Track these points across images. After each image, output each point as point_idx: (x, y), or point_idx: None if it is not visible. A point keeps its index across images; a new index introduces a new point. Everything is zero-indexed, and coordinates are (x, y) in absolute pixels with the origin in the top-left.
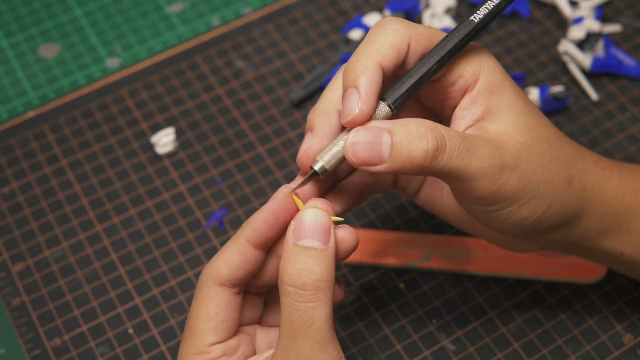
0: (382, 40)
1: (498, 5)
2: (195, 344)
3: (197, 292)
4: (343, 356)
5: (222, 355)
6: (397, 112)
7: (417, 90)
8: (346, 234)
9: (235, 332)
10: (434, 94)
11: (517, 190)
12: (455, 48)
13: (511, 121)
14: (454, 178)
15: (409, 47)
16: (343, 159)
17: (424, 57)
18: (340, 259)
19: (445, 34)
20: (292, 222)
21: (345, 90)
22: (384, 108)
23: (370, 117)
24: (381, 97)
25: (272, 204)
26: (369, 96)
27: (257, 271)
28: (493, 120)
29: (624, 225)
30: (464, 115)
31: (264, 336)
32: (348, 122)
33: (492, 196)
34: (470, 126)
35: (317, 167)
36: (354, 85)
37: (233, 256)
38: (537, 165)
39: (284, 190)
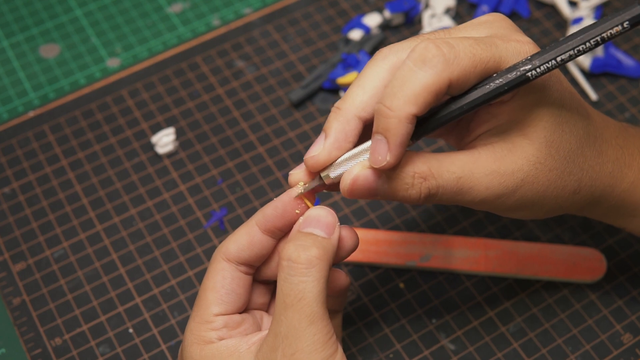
0: (422, 83)
1: (550, 64)
2: (200, 313)
3: (208, 267)
4: (334, 334)
5: (223, 326)
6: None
7: (440, 127)
8: (347, 233)
9: (241, 310)
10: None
11: (512, 208)
12: (491, 95)
13: (531, 135)
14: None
15: (450, 85)
16: None
17: (461, 95)
18: (341, 257)
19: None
20: (301, 218)
21: (375, 132)
22: None
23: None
24: None
25: (284, 196)
26: (397, 149)
27: (265, 256)
28: (514, 130)
29: (628, 213)
30: (488, 119)
31: (269, 322)
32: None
33: (486, 207)
34: (490, 130)
35: (323, 175)
36: (384, 134)
37: (242, 237)
38: (541, 185)
39: (299, 186)
